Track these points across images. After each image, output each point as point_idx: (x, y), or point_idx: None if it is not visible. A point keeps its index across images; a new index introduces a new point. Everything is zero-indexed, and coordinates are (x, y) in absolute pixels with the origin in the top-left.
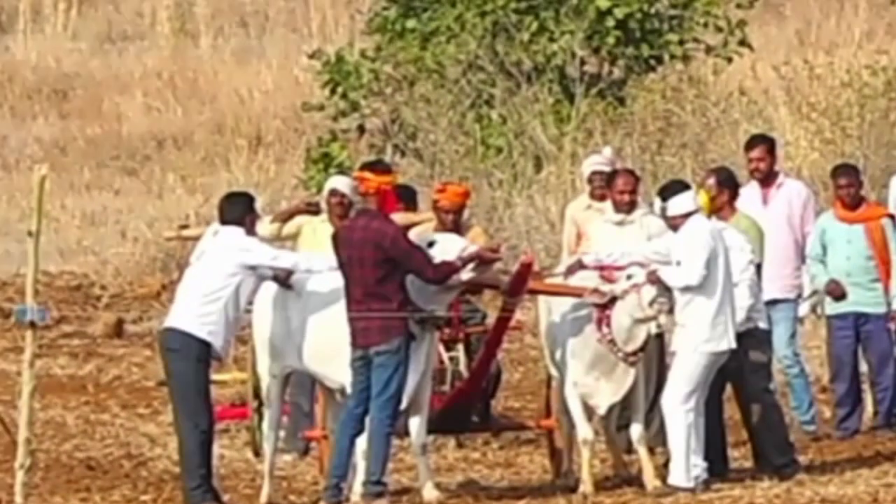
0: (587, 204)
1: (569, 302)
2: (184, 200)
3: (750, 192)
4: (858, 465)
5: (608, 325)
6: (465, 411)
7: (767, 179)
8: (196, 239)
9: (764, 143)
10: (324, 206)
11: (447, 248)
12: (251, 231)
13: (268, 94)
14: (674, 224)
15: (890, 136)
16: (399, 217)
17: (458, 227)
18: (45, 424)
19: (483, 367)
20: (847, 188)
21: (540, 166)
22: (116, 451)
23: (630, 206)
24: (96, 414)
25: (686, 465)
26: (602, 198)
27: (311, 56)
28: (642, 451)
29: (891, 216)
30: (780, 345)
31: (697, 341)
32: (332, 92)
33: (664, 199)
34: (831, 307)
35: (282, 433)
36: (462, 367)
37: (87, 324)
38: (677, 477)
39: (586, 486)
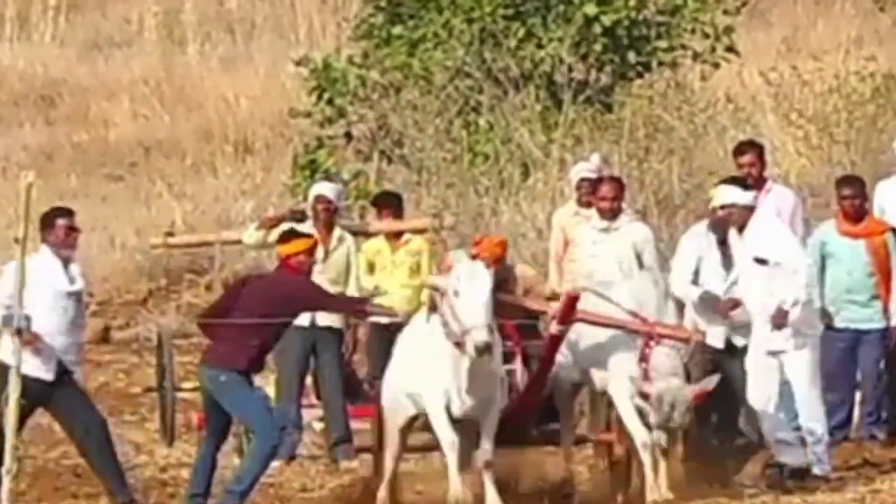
0: (575, 211)
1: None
2: (171, 207)
3: None
4: (846, 472)
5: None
6: (521, 425)
7: (757, 185)
8: (182, 247)
9: (754, 148)
10: (309, 212)
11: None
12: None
13: (255, 100)
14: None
15: (878, 143)
16: (384, 224)
17: (505, 275)
18: (32, 431)
19: (538, 382)
20: (852, 199)
21: (527, 173)
22: None
23: (614, 213)
24: None
25: None
26: (590, 205)
27: (298, 63)
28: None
29: (893, 230)
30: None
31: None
32: (319, 98)
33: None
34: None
35: None
36: (519, 380)
37: None
38: None
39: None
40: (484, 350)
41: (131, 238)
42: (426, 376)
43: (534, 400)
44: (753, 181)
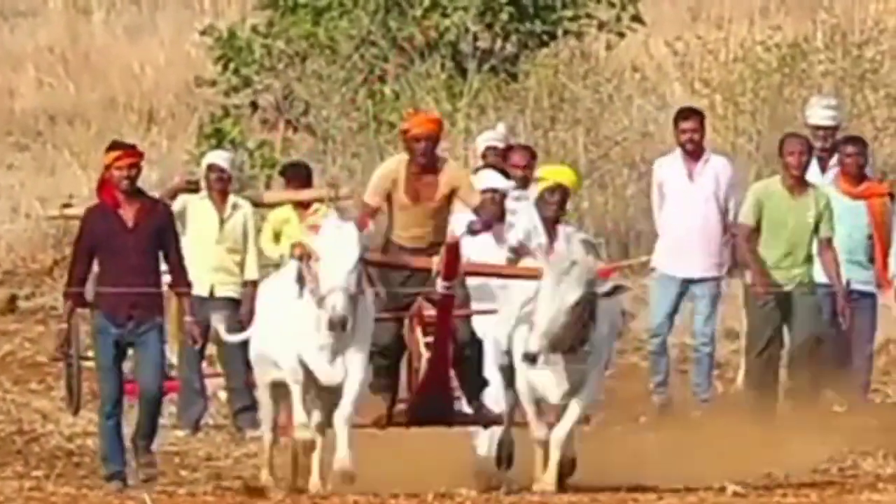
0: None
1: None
2: (77, 176)
3: (673, 165)
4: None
5: None
6: (438, 401)
7: (696, 152)
8: (79, 217)
9: (696, 114)
10: (203, 181)
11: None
12: None
13: (160, 69)
14: None
15: (784, 112)
16: (279, 195)
17: (433, 160)
18: None
19: (440, 354)
20: (855, 157)
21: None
22: (8, 426)
23: (525, 182)
24: None
25: None
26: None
27: (203, 32)
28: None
29: (891, 195)
30: (699, 322)
31: None
32: (225, 68)
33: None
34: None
35: (172, 409)
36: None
37: None
38: None
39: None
40: (338, 323)
41: (37, 207)
42: (288, 342)
43: (440, 375)
44: (694, 148)
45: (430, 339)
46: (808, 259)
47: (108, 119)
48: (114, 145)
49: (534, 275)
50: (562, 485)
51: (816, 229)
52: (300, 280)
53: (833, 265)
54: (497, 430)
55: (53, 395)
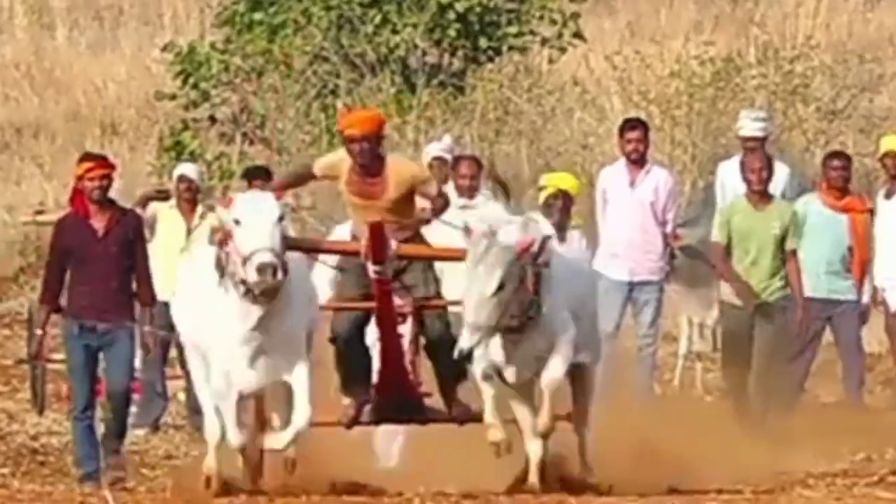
0: None
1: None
2: (41, 186)
3: (616, 173)
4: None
5: None
6: (401, 397)
7: (640, 163)
8: (50, 223)
9: (642, 125)
10: (172, 192)
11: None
12: None
13: (122, 84)
14: None
15: (717, 124)
16: None
17: (375, 160)
18: None
19: (391, 348)
20: (840, 171)
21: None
22: None
23: (472, 191)
24: None
25: None
26: (442, 182)
27: (164, 48)
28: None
29: (871, 211)
30: (644, 324)
31: None
32: (184, 82)
33: None
34: (806, 287)
35: (134, 409)
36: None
37: None
38: None
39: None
40: (266, 269)
41: (3, 215)
42: (212, 339)
43: (393, 367)
44: (638, 157)
45: (401, 331)
46: (776, 270)
47: (72, 131)
48: (86, 156)
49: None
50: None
51: (783, 241)
52: (219, 267)
53: (796, 275)
54: (400, 440)
55: (19, 397)
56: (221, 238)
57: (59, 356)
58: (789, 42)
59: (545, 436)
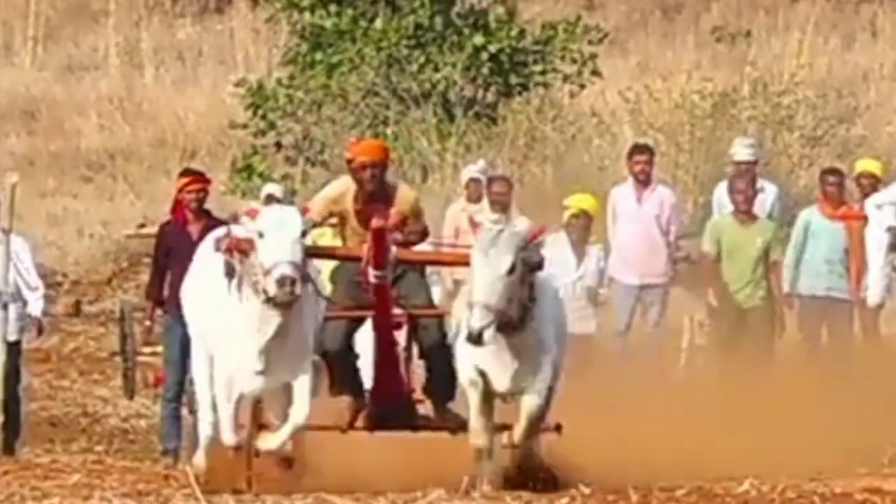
0: (464, 206)
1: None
2: (132, 203)
3: (625, 191)
4: None
5: None
6: (395, 404)
7: (645, 183)
8: (150, 236)
9: (648, 150)
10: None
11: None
12: None
13: (201, 115)
14: None
15: (716, 149)
16: None
17: (383, 186)
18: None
19: (386, 355)
20: (836, 185)
21: (426, 176)
22: (75, 410)
23: (504, 207)
24: (58, 380)
25: None
26: (477, 201)
27: (237, 84)
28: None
29: (865, 219)
30: (650, 321)
31: None
32: (254, 114)
33: None
34: (807, 287)
35: None
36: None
37: (52, 305)
38: None
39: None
40: (287, 283)
41: (99, 228)
42: (224, 342)
43: (388, 377)
44: (644, 177)
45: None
46: (759, 280)
47: (158, 156)
48: (185, 172)
49: (467, 261)
50: (536, 489)
51: (766, 255)
52: (230, 274)
53: (777, 283)
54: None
55: (112, 385)
56: (230, 245)
57: (147, 349)
58: (777, 79)
59: (516, 447)
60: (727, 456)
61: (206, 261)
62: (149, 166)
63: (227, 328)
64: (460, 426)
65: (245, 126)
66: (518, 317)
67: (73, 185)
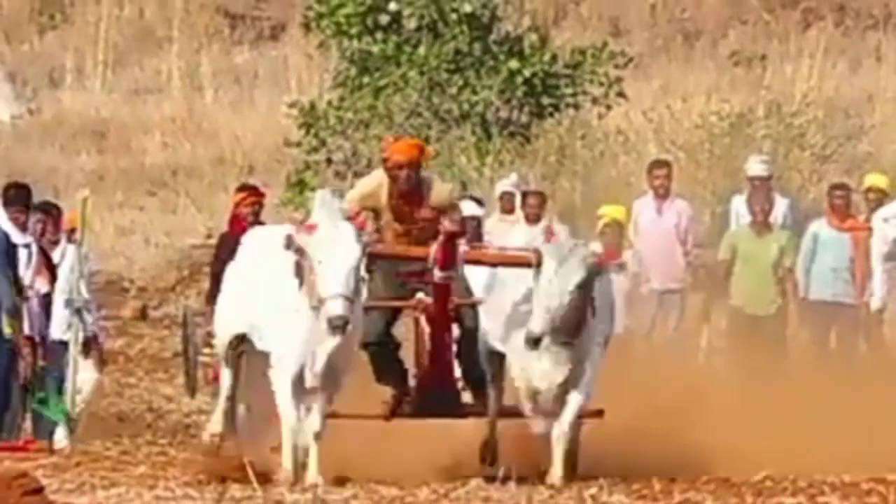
0: (499, 217)
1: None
2: (193, 216)
3: (646, 203)
4: None
5: None
6: (443, 392)
7: (664, 196)
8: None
9: (667, 165)
10: None
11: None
12: None
13: (257, 134)
14: None
15: (733, 166)
16: None
17: (418, 184)
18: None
19: (440, 345)
20: (843, 198)
21: (465, 189)
22: (140, 406)
23: (537, 219)
24: (125, 378)
25: None
26: (510, 212)
27: (290, 105)
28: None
29: (870, 230)
30: (670, 323)
31: None
32: (306, 132)
33: None
34: (815, 293)
35: None
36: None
37: (120, 309)
38: None
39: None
40: (339, 326)
41: (163, 239)
42: (282, 336)
43: (442, 365)
44: (664, 191)
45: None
46: (773, 286)
47: (217, 172)
48: (242, 187)
49: (528, 262)
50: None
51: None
52: (299, 275)
53: (792, 286)
54: None
55: (176, 383)
56: (300, 248)
57: (207, 350)
58: (790, 100)
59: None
60: (746, 451)
61: (268, 255)
62: (209, 182)
63: (292, 326)
64: (502, 413)
65: (298, 144)
66: (575, 327)
67: (139, 198)
